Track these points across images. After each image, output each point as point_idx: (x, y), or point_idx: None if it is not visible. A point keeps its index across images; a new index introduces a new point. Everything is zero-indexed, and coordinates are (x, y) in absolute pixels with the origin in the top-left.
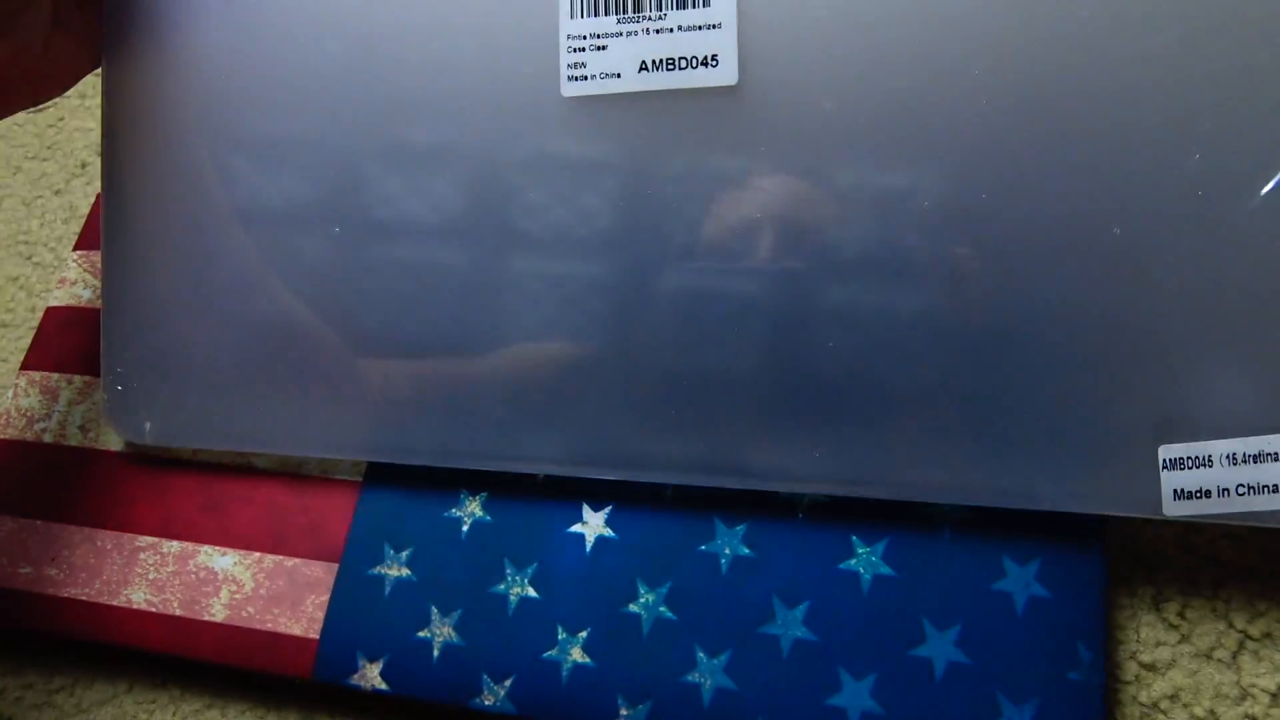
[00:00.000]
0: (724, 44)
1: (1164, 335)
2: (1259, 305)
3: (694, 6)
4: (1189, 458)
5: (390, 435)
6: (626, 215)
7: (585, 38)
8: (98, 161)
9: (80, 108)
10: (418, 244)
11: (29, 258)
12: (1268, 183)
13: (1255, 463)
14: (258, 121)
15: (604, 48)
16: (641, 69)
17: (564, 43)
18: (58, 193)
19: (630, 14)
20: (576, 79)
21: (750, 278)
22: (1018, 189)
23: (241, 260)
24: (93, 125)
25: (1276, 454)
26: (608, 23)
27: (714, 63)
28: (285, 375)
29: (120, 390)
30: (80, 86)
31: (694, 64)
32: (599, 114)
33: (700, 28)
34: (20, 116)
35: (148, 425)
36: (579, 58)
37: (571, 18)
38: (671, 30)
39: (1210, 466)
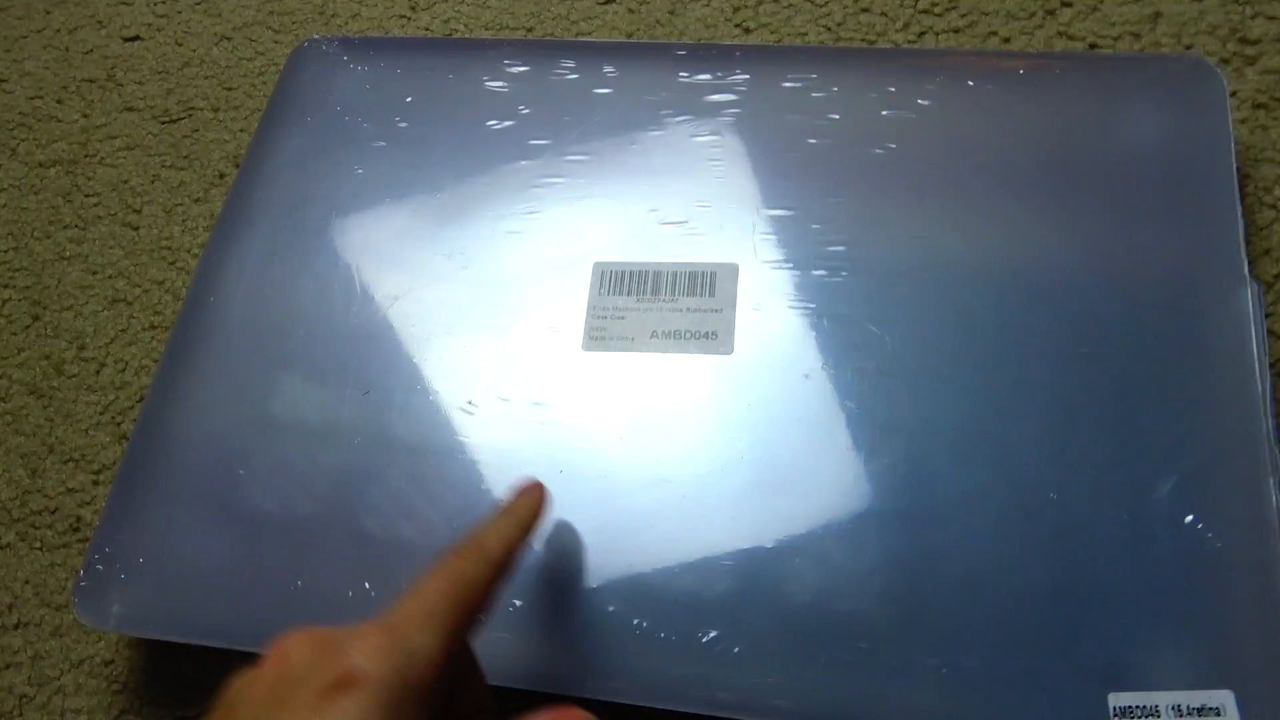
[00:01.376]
0: (724, 324)
1: (1108, 589)
2: (1189, 568)
3: (702, 294)
4: (1137, 707)
5: None
6: (623, 449)
7: (608, 310)
8: (234, 172)
9: (214, 120)
10: (428, 461)
11: (172, 263)
12: (1172, 476)
13: (1200, 715)
14: (304, 345)
15: (623, 318)
16: (653, 336)
17: (590, 311)
18: (197, 201)
19: (648, 296)
20: (597, 338)
21: (726, 514)
22: (970, 460)
23: (263, 465)
24: (228, 138)
25: (1219, 708)
26: (629, 301)
27: (713, 337)
28: (277, 574)
29: (99, 569)
30: (214, 101)
31: (698, 337)
32: (612, 369)
33: (705, 311)
34: (155, 126)
35: (115, 609)
36: (601, 324)
37: (600, 295)
38: (682, 310)
39: (1158, 717)
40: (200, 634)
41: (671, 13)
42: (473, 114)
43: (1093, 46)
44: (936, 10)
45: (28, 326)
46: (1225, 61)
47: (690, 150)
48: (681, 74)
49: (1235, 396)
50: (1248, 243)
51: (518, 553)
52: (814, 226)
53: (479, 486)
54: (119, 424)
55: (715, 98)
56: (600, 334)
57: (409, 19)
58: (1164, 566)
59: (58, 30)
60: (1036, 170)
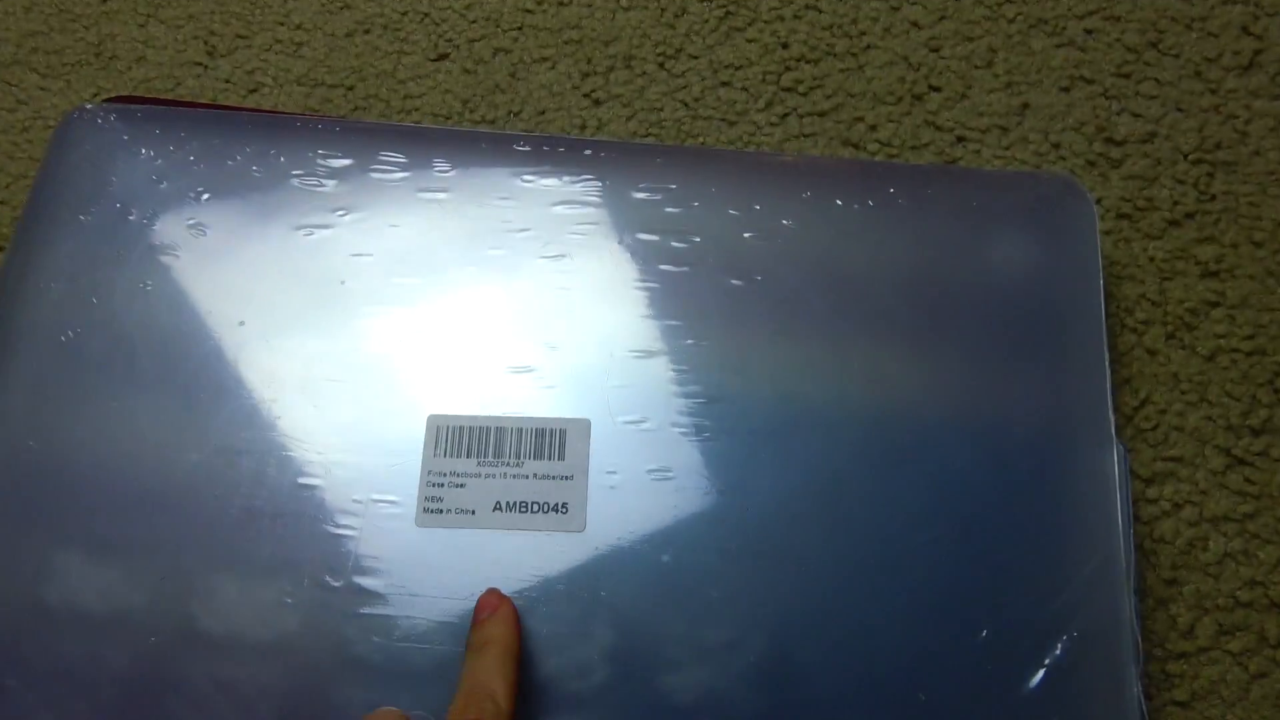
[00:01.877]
0: (575, 495)
1: None
2: None
3: (550, 458)
4: None
5: None
6: (463, 651)
7: (445, 475)
8: None
9: None
10: (241, 661)
11: None
12: (1042, 662)
13: None
14: (97, 520)
15: (462, 485)
16: (496, 509)
17: (424, 477)
18: None
19: (490, 459)
20: (432, 511)
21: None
22: (835, 654)
23: (38, 670)
24: None
25: None
26: (469, 464)
27: (564, 510)
28: None
29: None
30: None
31: (546, 509)
32: (451, 546)
33: (554, 477)
34: None
35: None
36: (437, 492)
37: (435, 456)
38: (528, 476)
39: None
40: None
41: (513, 75)
42: (283, 217)
43: (960, 139)
44: (800, 89)
45: None
46: (1091, 164)
47: (537, 275)
48: (525, 176)
49: (1100, 573)
50: (1114, 394)
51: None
52: (671, 372)
53: (301, 691)
54: None
55: (562, 209)
56: (436, 505)
57: (205, 67)
58: None
59: None
60: (904, 305)
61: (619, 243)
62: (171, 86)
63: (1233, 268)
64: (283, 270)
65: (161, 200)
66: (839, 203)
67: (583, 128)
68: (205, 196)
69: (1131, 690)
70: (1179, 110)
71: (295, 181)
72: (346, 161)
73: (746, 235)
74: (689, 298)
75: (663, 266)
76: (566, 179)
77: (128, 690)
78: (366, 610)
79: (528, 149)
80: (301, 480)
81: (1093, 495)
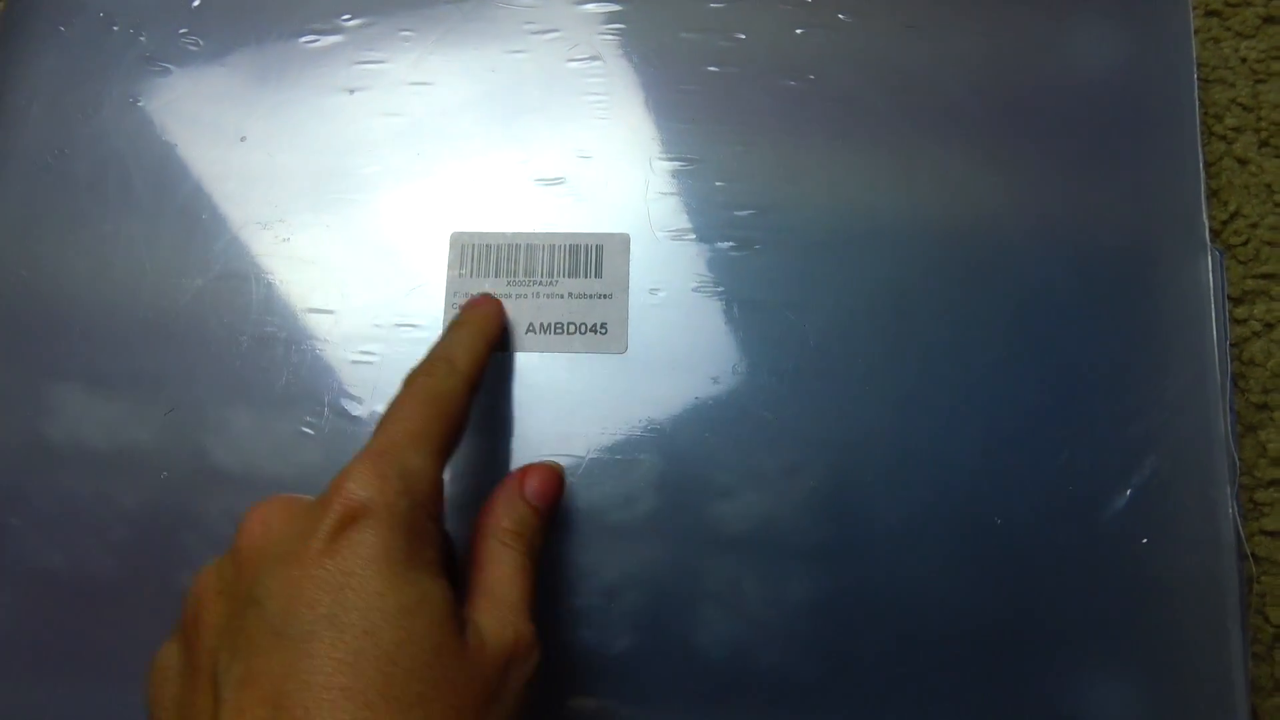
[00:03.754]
0: (615, 314)
1: (1052, 628)
2: (1133, 604)
3: (586, 275)
4: None
5: None
6: (497, 479)
7: (471, 296)
8: None
9: None
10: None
11: None
12: (1128, 485)
13: None
14: (82, 345)
15: None
16: (530, 330)
17: (448, 298)
18: None
19: (521, 278)
20: None
21: (637, 554)
22: (902, 476)
23: (42, 510)
24: None
25: None
26: (498, 283)
27: (603, 330)
28: (70, 648)
29: None
30: None
31: (584, 330)
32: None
33: (591, 296)
34: None
35: None
36: None
37: (460, 276)
38: (563, 296)
39: None
40: None
41: None
42: (282, 26)
43: None
44: None
45: None
46: None
47: (565, 80)
48: None
49: (1192, 390)
50: (1208, 200)
51: (485, 363)
52: (718, 183)
53: None
54: None
55: (592, 6)
56: None
57: None
58: (1116, 599)
59: None
60: (976, 104)
61: (657, 42)
62: None
63: None
64: (285, 80)
65: (149, 8)
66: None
67: None
68: (195, 3)
69: (1226, 511)
70: None
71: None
72: None
73: (799, 31)
74: (736, 100)
75: (708, 68)
76: None
77: (139, 528)
78: None
79: None
80: (316, 305)
81: (1185, 305)
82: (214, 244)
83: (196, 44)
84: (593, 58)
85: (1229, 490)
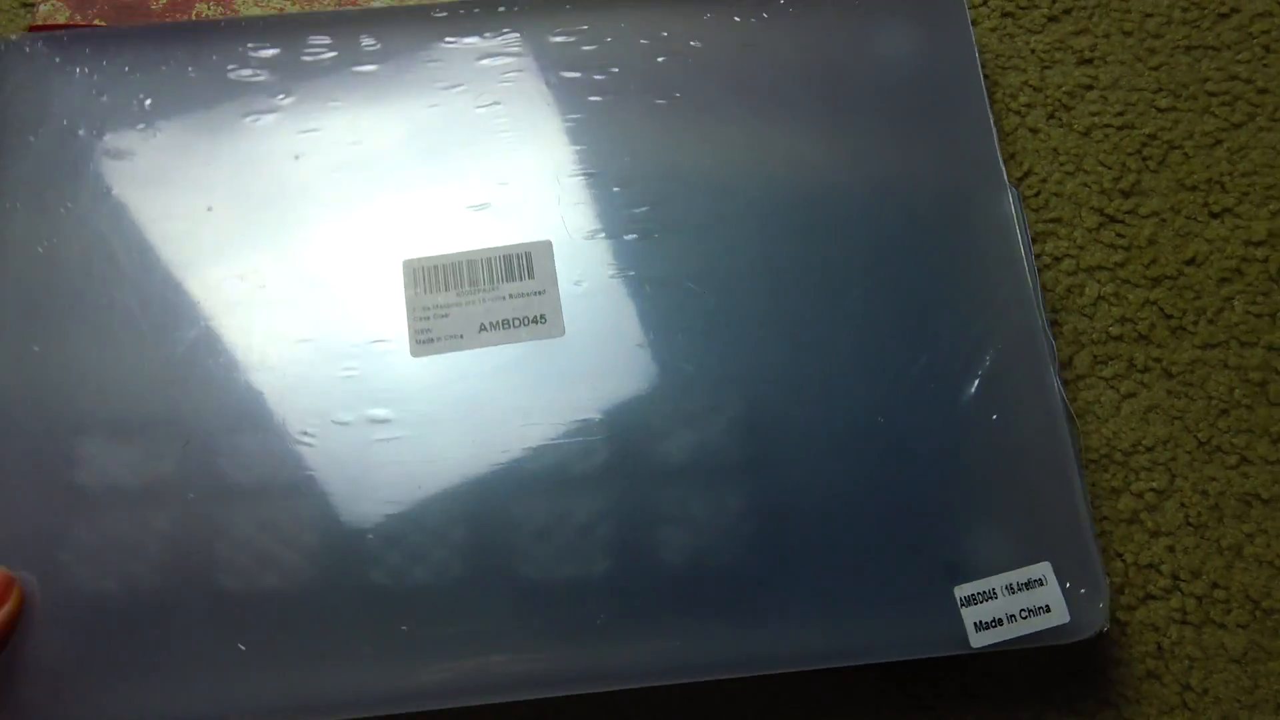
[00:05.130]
0: (550, 306)
1: (934, 499)
2: (995, 467)
3: (521, 278)
4: (978, 594)
5: (257, 691)
6: (477, 455)
7: (430, 309)
8: None
9: None
10: (277, 502)
11: None
12: (975, 375)
13: (1028, 589)
14: (101, 406)
15: (446, 315)
16: (481, 329)
17: (410, 314)
18: None
19: (466, 288)
20: (424, 341)
21: (595, 496)
22: (801, 399)
23: (86, 543)
24: None
25: (1041, 579)
26: (449, 296)
27: (543, 320)
28: (134, 658)
29: None
30: None
31: (527, 323)
32: (447, 370)
33: (528, 295)
34: None
35: None
36: (425, 324)
37: (417, 294)
38: (504, 298)
39: (996, 598)
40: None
41: None
42: (227, 109)
43: None
44: None
45: None
46: None
47: (475, 124)
48: (448, 39)
49: (1011, 295)
50: (1003, 154)
51: None
52: (615, 189)
53: (337, 519)
54: None
55: (487, 62)
56: (427, 335)
57: None
58: (980, 466)
59: None
60: (808, 100)
61: (545, 84)
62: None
63: (1105, 55)
64: (237, 155)
65: (106, 112)
66: (736, 19)
67: None
68: (148, 102)
69: (1052, 384)
70: None
71: (232, 75)
72: (276, 50)
73: (660, 59)
74: (619, 122)
75: (590, 98)
76: (487, 35)
77: (176, 545)
78: (381, 437)
79: (445, 15)
80: (297, 336)
81: (996, 232)
82: (199, 299)
83: (153, 134)
84: (494, 102)
85: (1052, 368)
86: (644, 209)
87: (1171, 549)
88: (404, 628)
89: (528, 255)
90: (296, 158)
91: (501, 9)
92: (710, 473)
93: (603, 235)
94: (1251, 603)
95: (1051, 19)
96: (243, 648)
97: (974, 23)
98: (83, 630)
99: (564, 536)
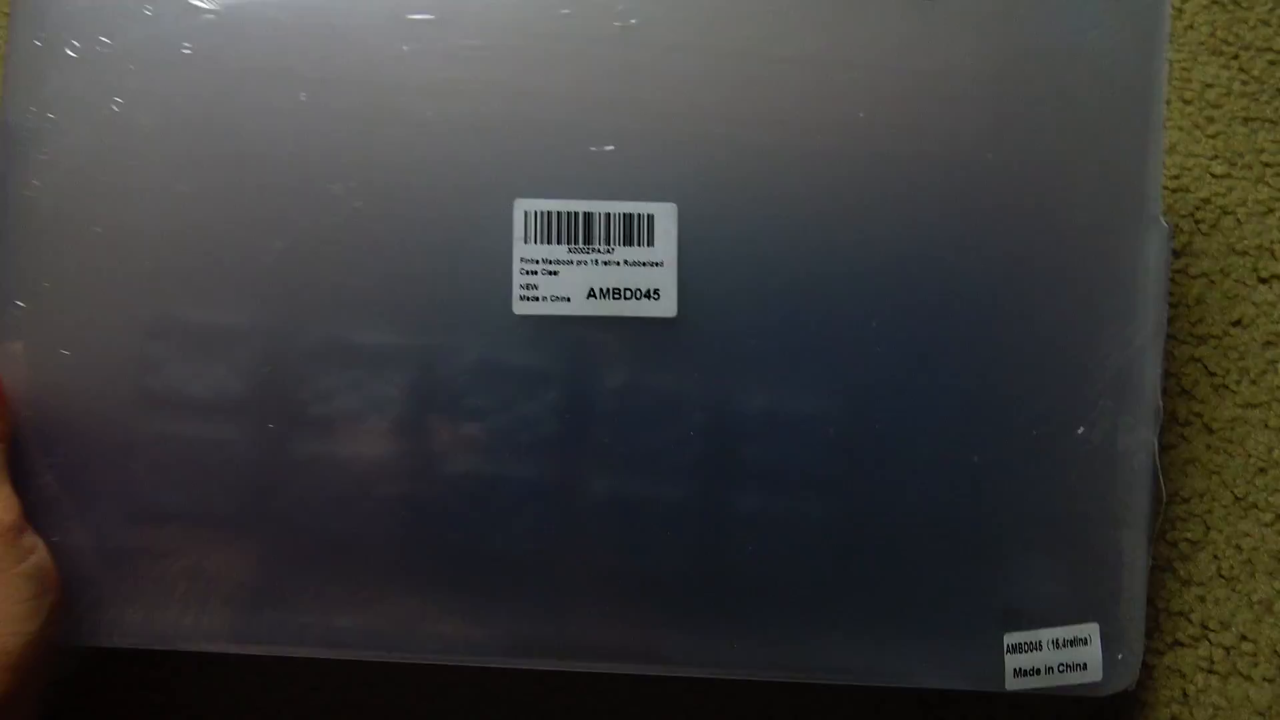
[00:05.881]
0: (665, 280)
1: (1008, 544)
2: (1071, 522)
3: (639, 244)
4: (1025, 644)
5: (317, 628)
6: (567, 425)
7: (538, 262)
8: None
9: None
10: (356, 442)
11: None
12: (1080, 425)
13: (1072, 646)
14: (184, 308)
15: (555, 273)
16: (590, 296)
17: (517, 265)
18: None
19: (580, 245)
20: (528, 299)
21: (680, 487)
22: (902, 424)
23: (155, 454)
24: None
25: (1087, 638)
26: (559, 250)
27: (656, 295)
28: (199, 570)
29: None
30: None
31: (638, 295)
32: (546, 332)
33: (645, 264)
34: None
35: None
36: (531, 280)
37: (525, 243)
38: (619, 263)
39: (1041, 650)
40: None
41: None
42: None
43: None
44: None
45: None
46: None
47: (611, 40)
48: None
49: (1138, 348)
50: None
51: None
52: (760, 155)
53: (417, 468)
54: None
55: None
56: (532, 293)
57: None
58: (1057, 517)
59: None
60: (967, 82)
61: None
62: None
63: (1164, 120)
64: (336, 31)
65: None
66: None
67: None
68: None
69: (1151, 450)
70: None
71: None
72: None
73: (820, 22)
74: (779, 74)
75: (746, 32)
76: None
77: (250, 471)
78: (473, 397)
79: None
80: (396, 269)
81: (1138, 270)
82: (290, 206)
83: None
84: (634, 20)
85: (1155, 435)
86: (788, 185)
87: (1202, 599)
88: (472, 586)
89: (650, 218)
90: (402, 47)
91: None
92: (795, 481)
93: (738, 208)
94: (1279, 657)
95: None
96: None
97: None
98: (140, 543)
99: (642, 523)
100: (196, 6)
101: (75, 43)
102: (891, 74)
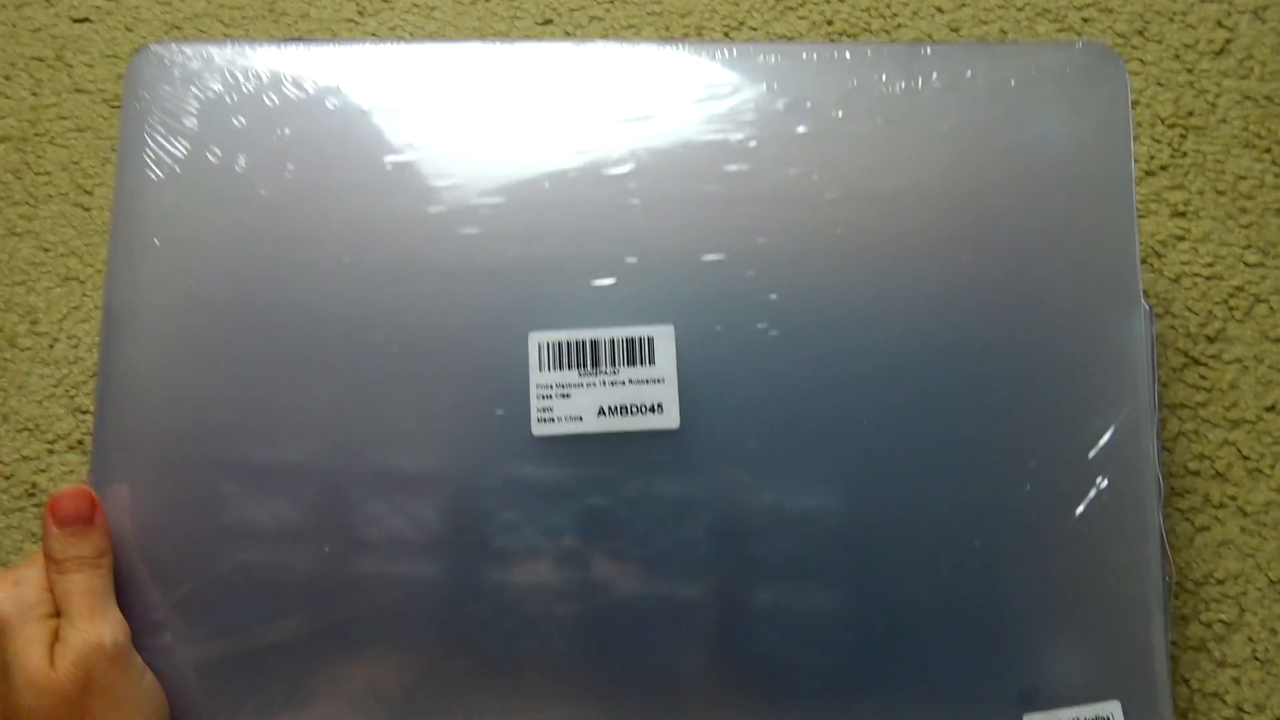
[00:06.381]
0: (667, 395)
1: (1019, 625)
2: (1082, 599)
3: (642, 363)
4: None
5: None
6: (586, 533)
7: (552, 387)
8: None
9: None
10: (403, 560)
11: None
12: (1079, 505)
13: None
14: (252, 451)
15: (568, 396)
16: (600, 414)
17: (534, 391)
18: None
19: (589, 369)
20: (545, 421)
21: (695, 588)
22: (903, 513)
23: (230, 578)
24: None
25: (1109, 717)
26: (571, 375)
27: (660, 410)
28: (269, 683)
29: None
30: None
31: (643, 410)
32: (563, 449)
33: (647, 381)
34: (106, 110)
35: None
36: (547, 404)
37: (540, 371)
38: (624, 383)
39: None
40: None
41: (604, 37)
42: (366, 147)
43: None
44: None
45: None
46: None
47: (606, 187)
48: (586, 86)
49: (1130, 425)
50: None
51: None
52: (746, 273)
53: (454, 581)
54: (73, 397)
55: (624, 116)
56: (548, 415)
57: (356, 24)
58: (1068, 595)
59: (4, 5)
60: (946, 186)
61: (680, 148)
62: (328, 36)
63: (1198, 210)
64: (374, 202)
65: (244, 140)
66: (883, 89)
67: None
68: (286, 132)
69: (1155, 524)
70: (1159, 85)
71: (371, 109)
72: (415, 84)
73: (800, 130)
74: (754, 198)
75: (727, 167)
76: (625, 88)
77: (311, 589)
78: (502, 513)
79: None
80: (429, 403)
81: (1124, 352)
82: (336, 356)
83: (292, 173)
84: (627, 163)
85: (1157, 507)
86: (771, 298)
87: (1237, 680)
88: (511, 693)
89: (650, 340)
90: (430, 208)
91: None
92: (804, 575)
93: (727, 323)
94: None
95: (1149, 173)
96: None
97: None
98: (216, 659)
99: (659, 621)
100: (258, 193)
101: (156, 240)
102: (867, 194)
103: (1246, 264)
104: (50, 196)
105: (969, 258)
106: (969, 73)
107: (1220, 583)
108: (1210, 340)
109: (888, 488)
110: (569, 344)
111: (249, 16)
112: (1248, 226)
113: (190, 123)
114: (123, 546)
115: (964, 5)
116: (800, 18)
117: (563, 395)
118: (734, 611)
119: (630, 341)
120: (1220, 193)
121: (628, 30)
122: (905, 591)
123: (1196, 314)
